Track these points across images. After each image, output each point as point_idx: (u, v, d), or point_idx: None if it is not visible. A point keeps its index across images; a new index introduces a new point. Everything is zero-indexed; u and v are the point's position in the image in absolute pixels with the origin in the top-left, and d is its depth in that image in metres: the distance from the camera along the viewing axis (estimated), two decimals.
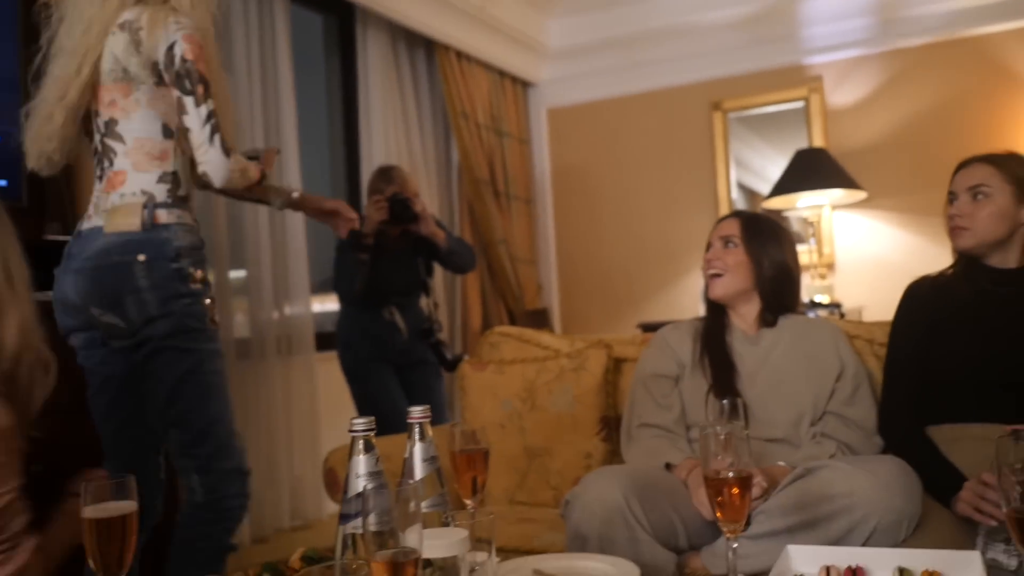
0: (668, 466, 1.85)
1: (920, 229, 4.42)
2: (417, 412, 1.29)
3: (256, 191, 2.16)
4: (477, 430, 1.47)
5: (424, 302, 3.39)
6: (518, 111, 5.29)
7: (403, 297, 3.32)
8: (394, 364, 3.29)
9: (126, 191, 1.88)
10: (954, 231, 1.85)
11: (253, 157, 2.07)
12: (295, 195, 2.28)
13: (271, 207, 2.37)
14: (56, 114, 1.87)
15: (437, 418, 3.30)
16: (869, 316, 4.35)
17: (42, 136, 1.90)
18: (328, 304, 3.95)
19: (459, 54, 4.65)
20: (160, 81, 1.86)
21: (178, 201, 1.91)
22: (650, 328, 4.15)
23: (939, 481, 1.70)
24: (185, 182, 1.94)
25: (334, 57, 4.36)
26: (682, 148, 5.10)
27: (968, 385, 1.77)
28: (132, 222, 1.85)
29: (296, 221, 3.64)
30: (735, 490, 1.28)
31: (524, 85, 5.37)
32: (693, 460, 1.80)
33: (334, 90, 4.37)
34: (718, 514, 1.30)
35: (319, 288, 3.92)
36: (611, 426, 2.19)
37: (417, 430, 1.29)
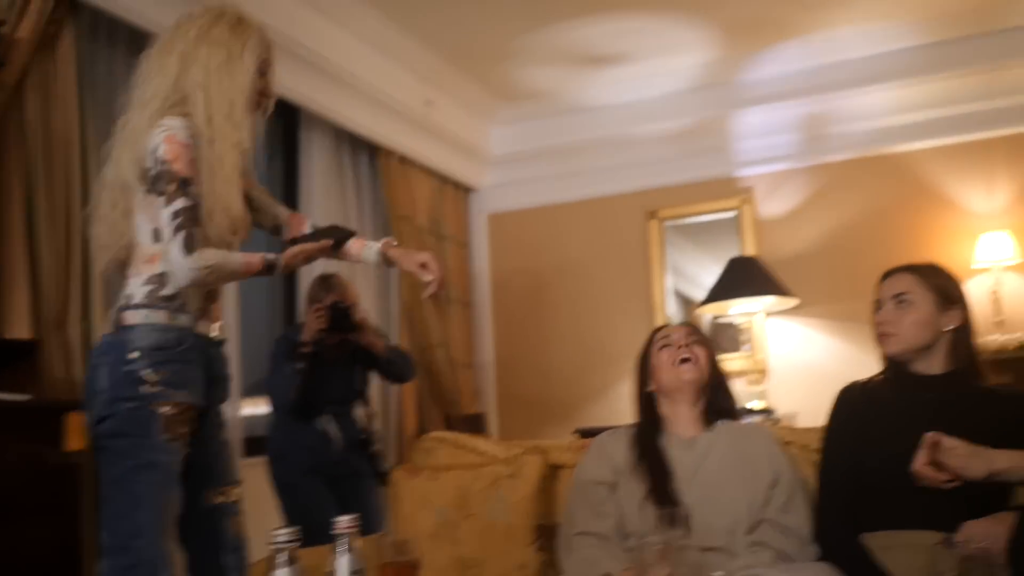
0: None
1: (849, 336, 4.52)
2: (344, 523, 1.24)
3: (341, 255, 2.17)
4: (408, 540, 1.42)
5: (361, 412, 3.33)
6: (459, 215, 5.34)
7: (339, 407, 3.26)
8: (327, 476, 3.20)
9: (120, 297, 1.92)
10: (881, 337, 1.91)
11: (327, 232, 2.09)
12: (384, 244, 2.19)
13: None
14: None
15: (373, 530, 3.20)
16: (803, 421, 4.38)
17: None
18: (258, 408, 3.84)
19: (402, 158, 4.71)
20: (150, 187, 1.87)
21: (157, 301, 1.87)
22: (587, 434, 4.12)
23: None
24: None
25: (277, 159, 4.38)
26: (619, 255, 5.19)
27: (900, 491, 1.77)
28: (108, 326, 1.91)
29: (227, 322, 3.57)
30: None
31: (465, 190, 5.45)
32: (630, 572, 1.76)
33: (275, 191, 4.35)
34: None
35: (249, 391, 3.81)
36: (546, 535, 2.14)
37: (343, 542, 1.24)
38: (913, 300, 1.87)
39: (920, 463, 1.30)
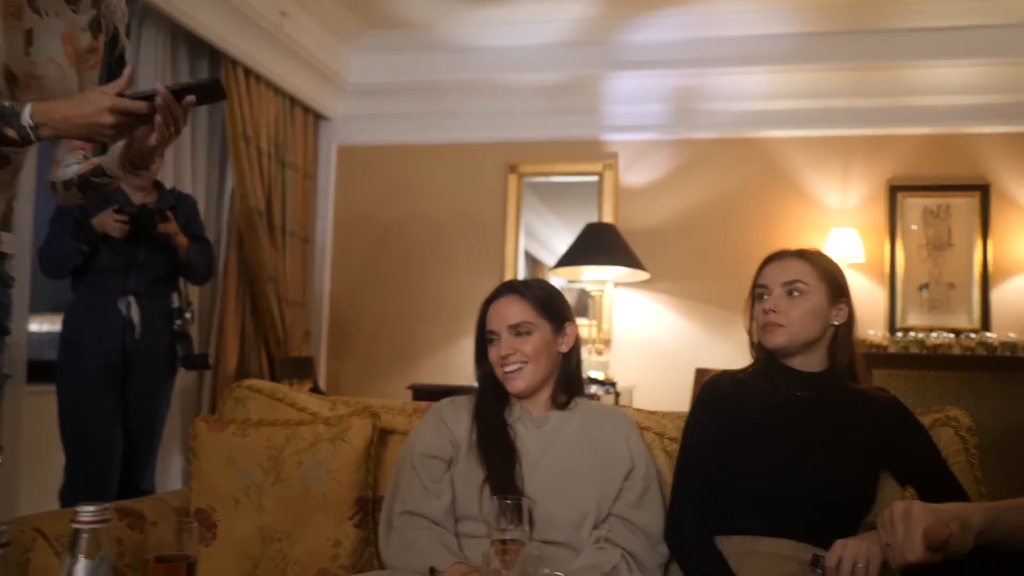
0: (433, 571, 1.56)
1: (695, 316, 4.48)
2: (87, 514, 0.92)
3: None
4: (200, 511, 1.11)
5: (173, 298, 3.11)
6: (306, 143, 4.93)
7: (144, 290, 3.02)
8: (120, 369, 2.97)
9: None
10: (767, 327, 1.71)
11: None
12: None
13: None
14: None
15: (152, 430, 3.09)
16: (640, 395, 4.32)
17: None
18: (49, 325, 3.39)
19: (248, 71, 4.25)
20: None
21: None
22: (422, 391, 3.88)
23: None
24: None
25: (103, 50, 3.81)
26: (474, 206, 4.95)
27: (762, 495, 1.62)
28: None
29: (22, 217, 3.09)
30: None
31: (316, 117, 5.02)
32: (463, 568, 1.53)
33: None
34: None
35: (40, 308, 3.34)
36: (368, 509, 1.87)
37: (83, 540, 0.92)
38: (806, 289, 1.70)
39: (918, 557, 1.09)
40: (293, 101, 4.72)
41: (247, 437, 1.91)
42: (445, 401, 1.89)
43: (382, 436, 1.99)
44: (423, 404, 2.09)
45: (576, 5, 4.41)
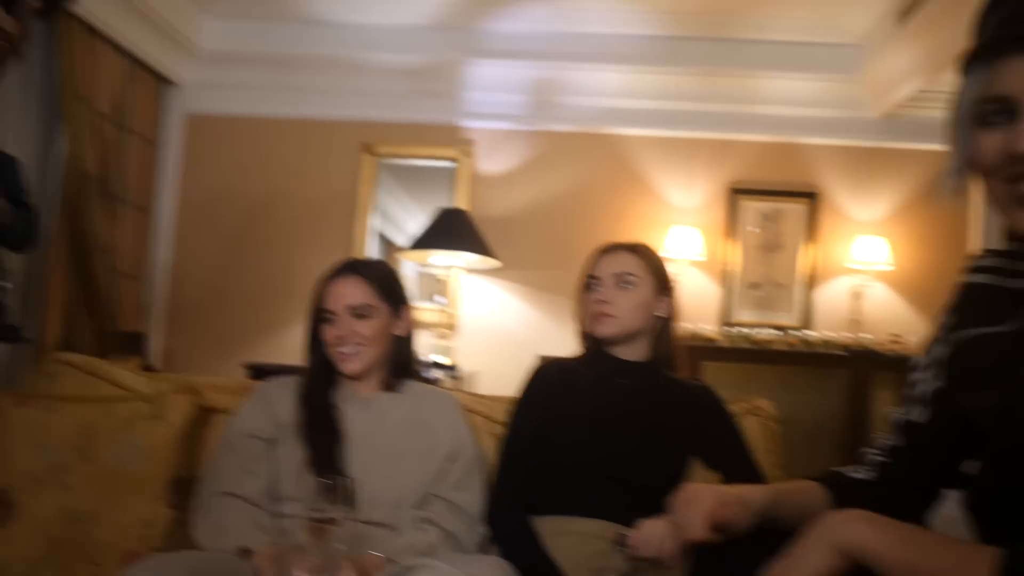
0: (245, 551, 1.53)
1: (542, 305, 4.57)
2: None
3: None
4: None
5: None
6: (150, 109, 4.69)
7: None
8: None
9: None
10: (598, 317, 1.77)
11: None
12: None
13: None
14: None
15: None
16: (482, 381, 4.37)
17: None
18: None
19: (87, 26, 3.99)
20: None
21: None
22: (259, 370, 3.78)
23: None
24: None
25: None
26: (326, 184, 4.86)
27: (580, 477, 1.69)
28: None
29: None
30: None
31: (162, 81, 4.78)
32: (275, 548, 1.50)
33: None
34: None
35: None
36: (184, 491, 1.81)
37: None
38: (636, 281, 1.78)
39: (698, 535, 1.17)
40: (138, 63, 4.47)
41: (55, 413, 1.82)
42: (271, 381, 1.85)
43: (206, 415, 1.93)
44: (251, 383, 2.04)
45: None
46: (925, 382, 1.16)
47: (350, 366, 1.77)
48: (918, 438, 1.17)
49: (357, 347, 1.77)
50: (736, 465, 1.72)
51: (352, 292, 1.79)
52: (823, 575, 0.90)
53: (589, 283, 1.82)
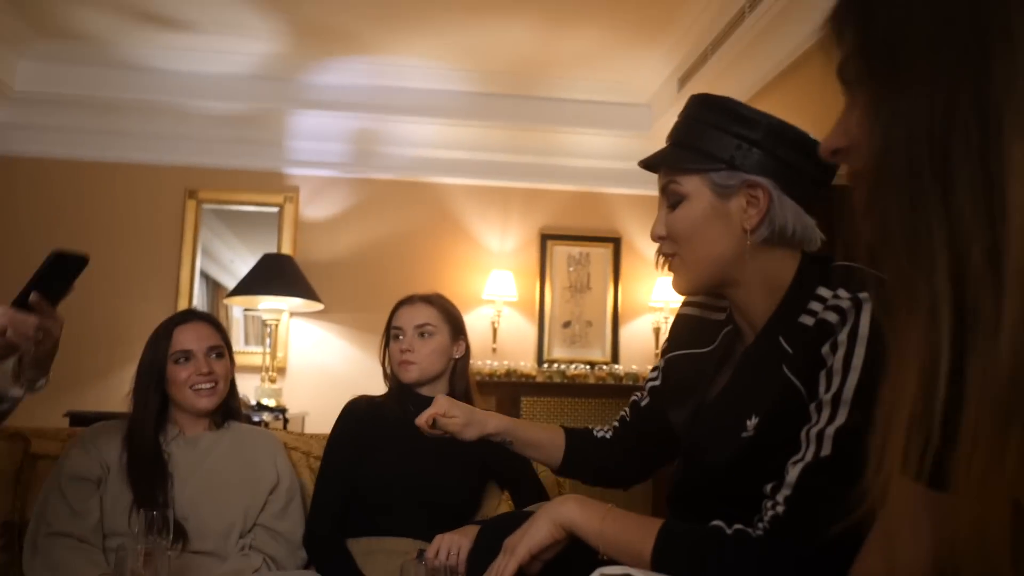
0: None
1: (364, 345, 4.78)
2: None
3: None
4: None
5: None
6: None
7: None
8: None
9: None
10: (403, 365, 2.03)
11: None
12: None
13: None
14: None
15: None
16: (312, 422, 4.51)
17: None
18: None
19: None
20: None
21: None
22: (79, 418, 3.77)
23: None
24: None
25: None
26: (149, 230, 4.87)
27: (388, 502, 1.92)
28: None
29: None
30: None
31: None
32: None
33: None
34: None
35: None
36: (14, 533, 1.90)
37: None
38: (434, 331, 2.05)
39: (422, 420, 1.57)
40: None
41: None
42: (99, 424, 1.98)
43: (32, 461, 2.02)
44: (77, 429, 2.14)
45: (264, 42, 4.54)
46: (652, 379, 1.52)
47: (209, 401, 1.94)
48: (640, 419, 1.53)
49: (213, 383, 1.95)
50: (521, 486, 2.01)
51: (210, 333, 1.97)
52: (546, 543, 1.18)
53: (393, 333, 2.08)
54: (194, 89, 4.78)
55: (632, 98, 4.93)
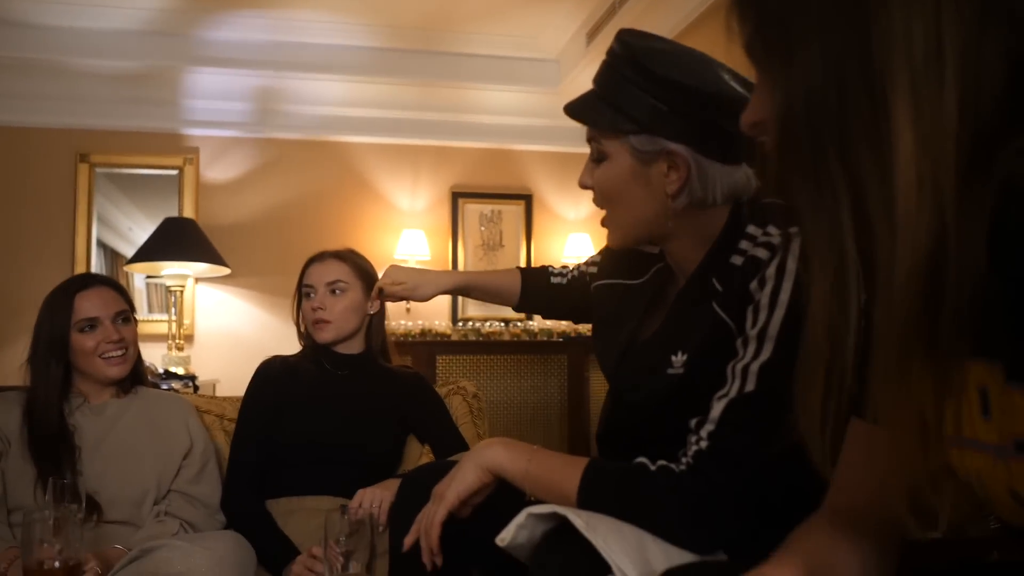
0: None
1: (274, 309, 4.68)
2: None
3: None
4: None
5: None
6: None
7: None
8: None
9: None
10: (316, 324, 1.97)
11: None
12: None
13: None
14: None
15: None
16: (223, 389, 4.40)
17: None
18: None
19: None
20: None
21: None
22: None
23: (273, 553, 1.77)
24: None
25: None
26: (39, 196, 4.63)
27: (305, 460, 1.89)
28: None
29: None
30: None
31: None
32: (14, 550, 1.57)
33: None
34: None
35: None
36: None
37: None
38: (346, 288, 1.99)
39: (372, 296, 1.68)
40: None
41: None
42: None
43: None
44: None
45: None
46: (589, 264, 1.58)
47: (120, 369, 1.86)
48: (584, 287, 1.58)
49: (123, 350, 1.87)
50: (443, 438, 2.00)
51: (115, 298, 1.88)
52: (474, 487, 1.18)
53: (304, 291, 2.02)
54: (80, 46, 4.52)
55: (541, 53, 4.90)
